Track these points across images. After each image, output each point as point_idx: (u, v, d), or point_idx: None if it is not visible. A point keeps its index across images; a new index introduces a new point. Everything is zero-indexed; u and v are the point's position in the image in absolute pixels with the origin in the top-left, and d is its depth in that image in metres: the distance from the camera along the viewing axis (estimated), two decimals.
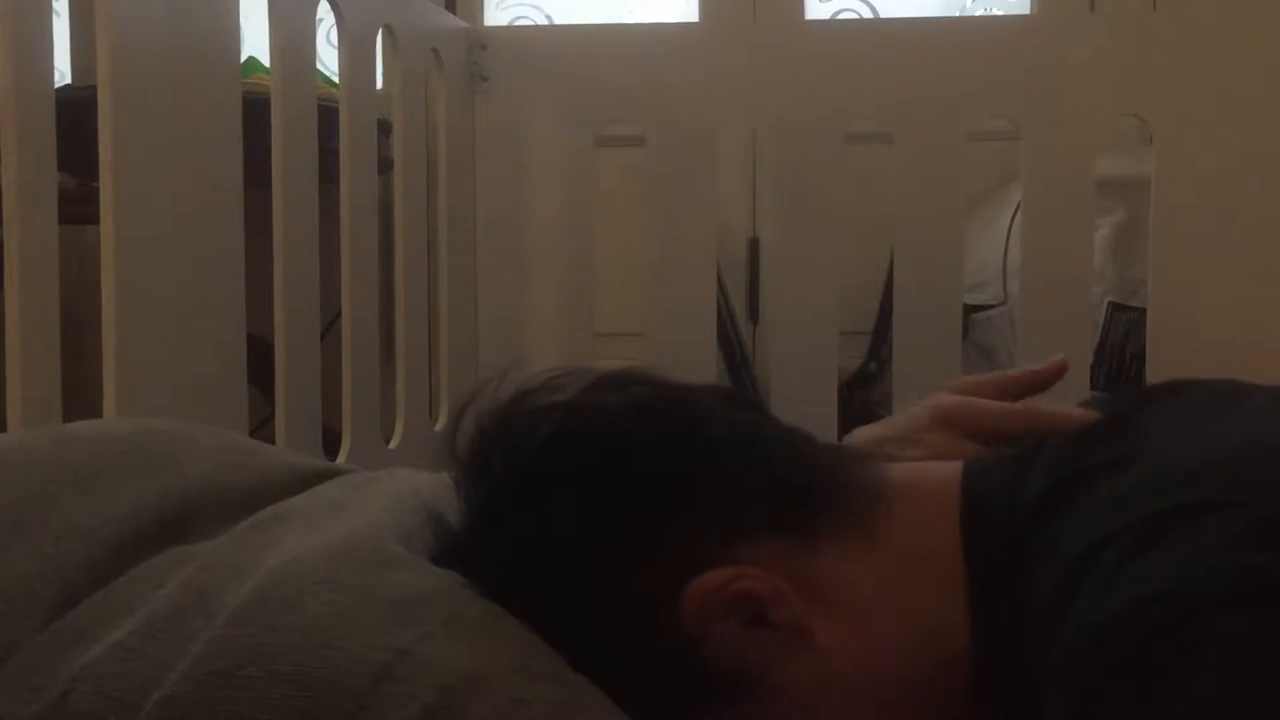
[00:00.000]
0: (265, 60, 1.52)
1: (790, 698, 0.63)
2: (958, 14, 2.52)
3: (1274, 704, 0.49)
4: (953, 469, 0.69)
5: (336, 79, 1.50)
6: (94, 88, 1.04)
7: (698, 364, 1.67)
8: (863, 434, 0.83)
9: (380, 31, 1.51)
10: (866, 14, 2.53)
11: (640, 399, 0.69)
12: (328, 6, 1.37)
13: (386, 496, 0.74)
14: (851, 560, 0.65)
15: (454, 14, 2.00)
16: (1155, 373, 1.60)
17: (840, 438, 0.87)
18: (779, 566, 0.63)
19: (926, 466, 0.72)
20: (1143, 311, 1.70)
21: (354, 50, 1.43)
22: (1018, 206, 1.74)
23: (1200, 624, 0.51)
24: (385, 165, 1.59)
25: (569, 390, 0.68)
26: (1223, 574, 0.53)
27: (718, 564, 0.63)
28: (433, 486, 0.74)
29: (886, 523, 0.66)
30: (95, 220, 1.05)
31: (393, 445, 1.54)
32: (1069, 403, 0.80)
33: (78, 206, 1.09)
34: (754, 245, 2.36)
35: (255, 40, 1.29)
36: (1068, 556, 0.58)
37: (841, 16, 2.52)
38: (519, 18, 2.61)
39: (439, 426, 1.67)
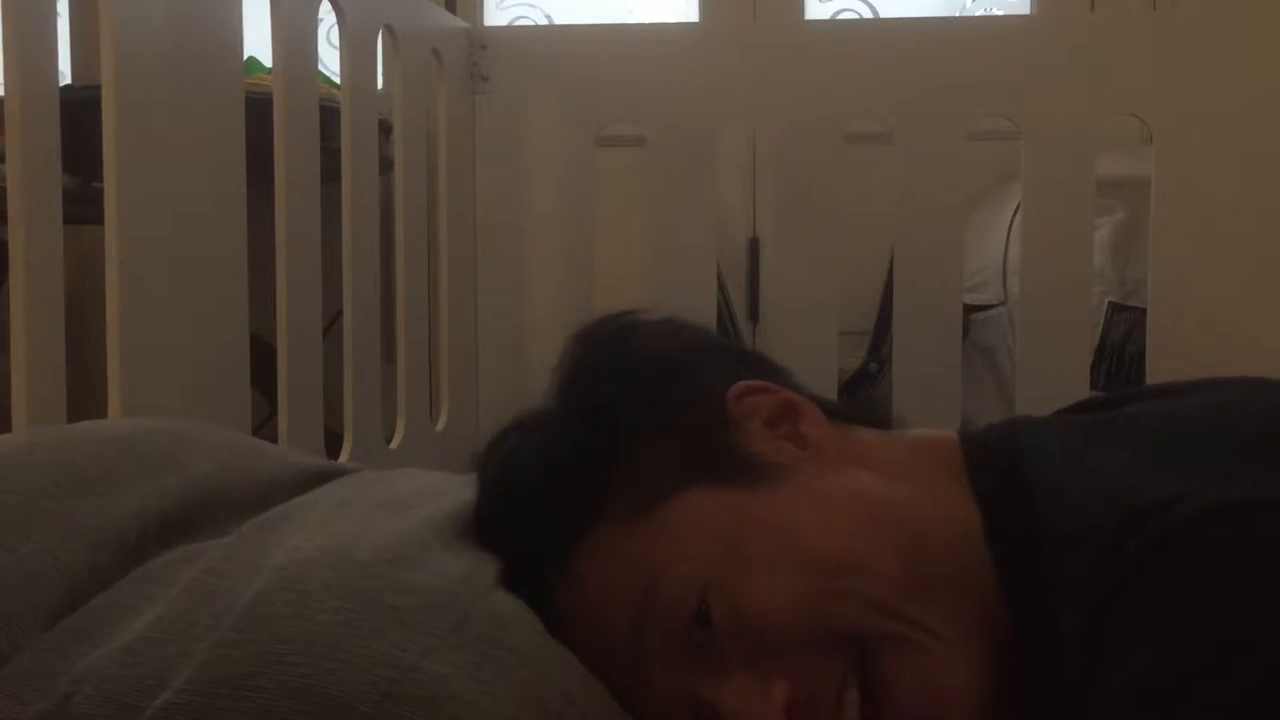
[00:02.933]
0: (266, 60, 1.52)
1: (796, 494, 0.66)
2: (958, 14, 2.52)
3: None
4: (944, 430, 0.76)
5: (336, 79, 1.50)
6: (95, 88, 1.04)
7: None
8: None
9: (381, 32, 1.51)
10: (866, 14, 2.54)
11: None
12: (328, 7, 1.37)
13: (396, 495, 0.74)
14: (873, 443, 0.72)
15: (454, 14, 2.00)
16: (1155, 373, 1.60)
17: None
18: (817, 413, 0.72)
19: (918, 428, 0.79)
20: (1143, 311, 1.70)
21: (355, 50, 1.43)
22: (1018, 206, 1.74)
23: (1196, 536, 0.53)
24: (385, 165, 1.59)
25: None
26: (1215, 491, 0.55)
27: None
28: (442, 486, 0.74)
29: (900, 435, 0.75)
30: (95, 220, 1.05)
31: (394, 445, 1.54)
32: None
33: (78, 207, 1.08)
34: (754, 245, 2.37)
35: (255, 40, 1.29)
36: (1074, 492, 0.61)
37: (841, 16, 2.53)
38: (519, 18, 2.62)
39: (440, 427, 1.67)
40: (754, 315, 2.35)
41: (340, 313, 1.42)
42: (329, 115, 1.36)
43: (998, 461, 0.67)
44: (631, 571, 0.64)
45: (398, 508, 0.72)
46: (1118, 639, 0.53)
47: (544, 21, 2.62)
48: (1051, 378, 1.62)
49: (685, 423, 0.70)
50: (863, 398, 2.18)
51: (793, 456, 0.68)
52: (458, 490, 0.74)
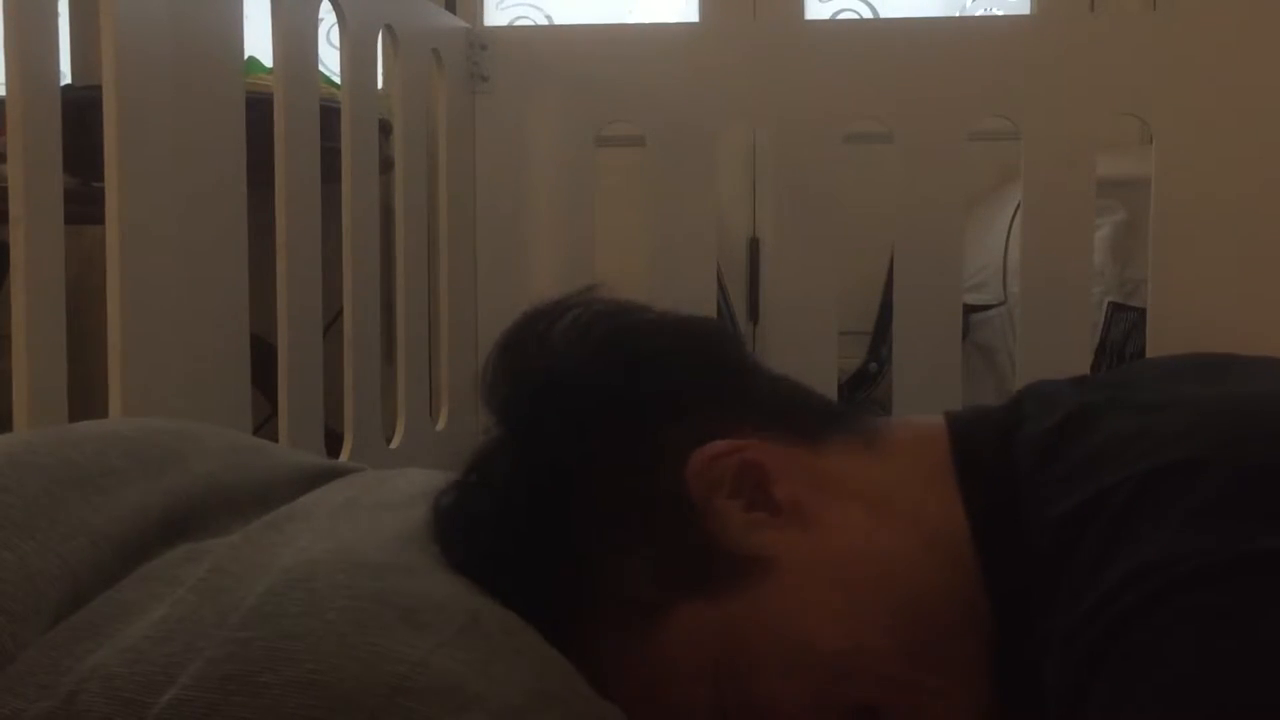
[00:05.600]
0: (266, 60, 1.52)
1: (784, 584, 0.63)
2: (958, 14, 2.52)
3: (1265, 665, 0.49)
4: (934, 418, 0.72)
5: (336, 79, 1.50)
6: (95, 88, 1.04)
7: None
8: None
9: (381, 32, 1.51)
10: (866, 14, 2.54)
11: (665, 316, 0.73)
12: (328, 6, 1.37)
13: (401, 496, 0.74)
14: (853, 462, 0.67)
15: (454, 14, 2.00)
16: None
17: None
18: (784, 454, 0.66)
19: (909, 416, 0.76)
20: (1143, 311, 1.70)
21: (356, 50, 1.43)
22: (1018, 206, 1.74)
23: (1187, 597, 0.51)
24: (385, 165, 1.59)
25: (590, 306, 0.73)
26: (1212, 541, 0.53)
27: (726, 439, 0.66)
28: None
29: (885, 440, 0.69)
30: (95, 220, 1.05)
31: (394, 445, 1.54)
32: None
33: (78, 207, 1.09)
34: (754, 245, 2.37)
35: (255, 40, 1.29)
36: (1062, 511, 0.59)
37: (841, 16, 2.53)
38: (519, 18, 2.62)
39: (440, 426, 1.67)
40: (754, 315, 2.35)
41: (340, 312, 1.42)
42: (329, 115, 1.36)
43: (990, 474, 0.65)
44: (636, 683, 0.64)
45: (403, 508, 0.72)
46: (1100, 700, 0.53)
47: (544, 21, 2.62)
48: (1051, 378, 1.61)
49: (654, 522, 0.65)
50: (862, 398, 2.18)
51: (771, 537, 0.64)
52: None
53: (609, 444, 0.67)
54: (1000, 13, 2.57)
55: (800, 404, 0.72)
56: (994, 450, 0.66)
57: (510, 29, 2.45)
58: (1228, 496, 0.54)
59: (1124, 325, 1.86)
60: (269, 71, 1.35)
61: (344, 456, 1.39)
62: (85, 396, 1.05)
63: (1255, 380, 0.67)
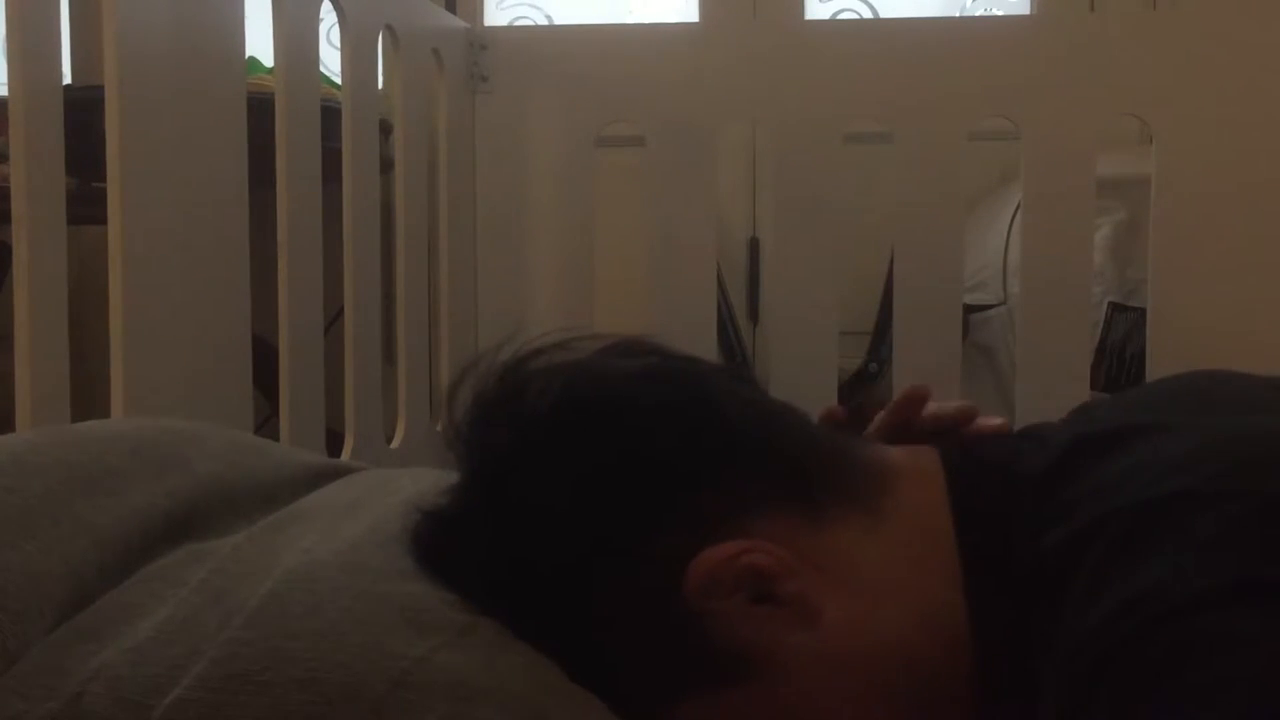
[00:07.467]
0: (267, 60, 1.52)
1: (792, 678, 0.62)
2: (958, 14, 2.52)
3: (1265, 700, 0.48)
4: (930, 452, 0.69)
5: (337, 79, 1.50)
6: (95, 88, 1.04)
7: None
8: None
9: (381, 32, 1.51)
10: (866, 14, 2.54)
11: (651, 366, 0.68)
12: (329, 6, 1.37)
13: (405, 497, 0.74)
14: (856, 536, 0.64)
15: (454, 14, 2.00)
16: (1155, 373, 1.60)
17: None
18: (786, 540, 0.63)
19: (914, 449, 0.72)
20: (1143, 311, 1.70)
21: (356, 50, 1.43)
22: (1018, 206, 1.74)
23: (1186, 624, 0.51)
24: (385, 165, 1.59)
25: (574, 352, 0.68)
26: (1210, 572, 0.52)
27: (725, 536, 0.62)
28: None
29: (890, 501, 0.66)
30: (95, 221, 1.05)
31: (394, 445, 1.54)
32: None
33: (78, 207, 1.09)
34: (754, 245, 2.37)
35: (256, 40, 1.29)
36: (1059, 539, 0.58)
37: (841, 16, 2.53)
38: (519, 18, 2.62)
39: (440, 426, 1.67)
40: (754, 315, 2.35)
41: (341, 312, 1.42)
42: (330, 115, 1.36)
43: (988, 522, 0.64)
44: None
45: (407, 509, 0.72)
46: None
47: (544, 21, 2.62)
48: (1051, 378, 1.62)
49: (653, 627, 0.62)
50: (863, 398, 2.18)
51: (774, 632, 0.62)
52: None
53: (600, 553, 0.63)
54: (1000, 13, 2.57)
55: (800, 463, 0.67)
56: (992, 498, 0.65)
57: (510, 29, 2.45)
58: (1229, 527, 0.54)
59: (1124, 325, 1.85)
60: (269, 71, 1.35)
61: (344, 456, 1.39)
62: (84, 396, 1.05)
63: (1251, 404, 0.67)
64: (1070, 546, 0.57)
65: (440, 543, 0.66)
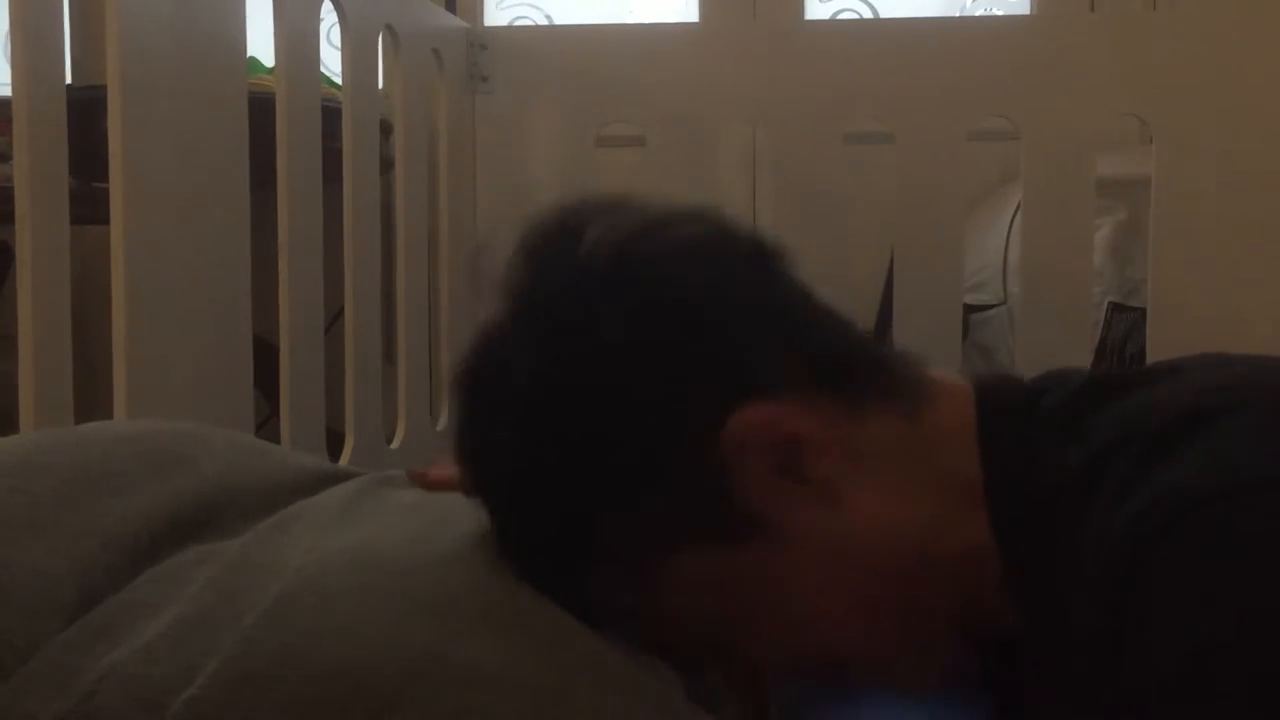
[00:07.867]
0: (267, 60, 1.52)
1: (791, 551, 0.63)
2: (958, 14, 2.52)
3: None
4: (961, 377, 0.71)
5: (337, 79, 1.50)
6: (95, 88, 1.04)
7: None
8: None
9: (382, 32, 1.51)
10: (866, 14, 2.54)
11: (711, 235, 0.69)
12: (329, 7, 1.37)
13: (408, 497, 0.74)
14: (892, 436, 0.66)
15: (454, 14, 2.00)
16: None
17: None
18: (825, 422, 0.64)
19: (949, 371, 0.73)
20: (1143, 311, 1.70)
21: (357, 50, 1.43)
22: (1018, 206, 1.74)
23: (1211, 515, 0.53)
24: (385, 165, 1.59)
25: (630, 213, 0.69)
26: (1243, 465, 0.54)
27: (768, 399, 0.63)
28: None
29: (926, 410, 0.67)
30: (97, 221, 1.05)
31: (394, 445, 1.54)
32: None
33: (80, 207, 1.09)
34: None
35: (256, 40, 1.29)
36: (1083, 457, 0.60)
37: (841, 16, 2.53)
38: (519, 18, 2.62)
39: (440, 426, 1.67)
40: None
41: (341, 312, 1.42)
42: (330, 115, 1.36)
43: (1014, 435, 0.66)
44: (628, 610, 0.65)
45: (411, 509, 0.72)
46: (1135, 613, 0.54)
47: (544, 21, 2.62)
48: None
49: (679, 466, 0.64)
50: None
51: (790, 506, 0.63)
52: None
53: (643, 397, 0.64)
54: (1000, 13, 2.57)
55: (846, 353, 0.69)
56: (1019, 421, 0.66)
57: (510, 29, 2.45)
58: (1258, 431, 0.56)
59: (1124, 325, 1.86)
60: (270, 72, 1.35)
61: (345, 456, 1.39)
62: (86, 396, 1.05)
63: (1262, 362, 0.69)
64: (1095, 462, 0.59)
65: (483, 364, 0.67)
